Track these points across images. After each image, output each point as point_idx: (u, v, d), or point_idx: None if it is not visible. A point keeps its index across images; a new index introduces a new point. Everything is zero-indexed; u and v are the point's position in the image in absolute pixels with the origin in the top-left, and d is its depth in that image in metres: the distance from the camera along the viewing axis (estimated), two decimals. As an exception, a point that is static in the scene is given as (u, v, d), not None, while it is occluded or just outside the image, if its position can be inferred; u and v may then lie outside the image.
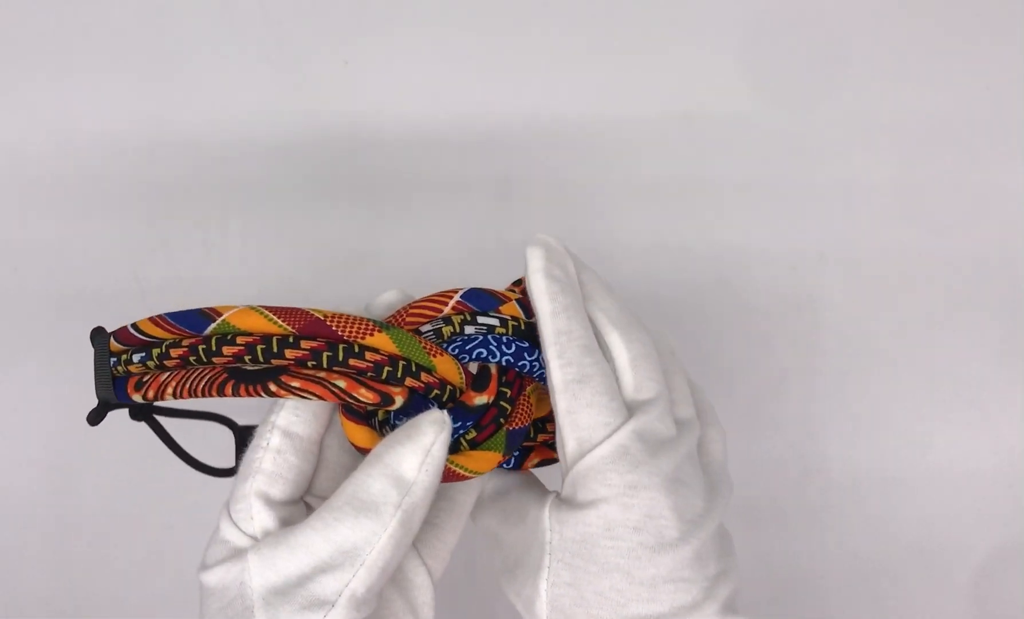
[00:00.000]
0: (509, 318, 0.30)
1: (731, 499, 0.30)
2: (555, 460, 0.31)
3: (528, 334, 0.30)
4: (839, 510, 0.49)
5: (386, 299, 0.31)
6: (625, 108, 0.50)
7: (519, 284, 0.33)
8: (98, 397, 0.30)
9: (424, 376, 0.28)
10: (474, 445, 0.29)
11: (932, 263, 0.50)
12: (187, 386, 0.28)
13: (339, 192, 0.50)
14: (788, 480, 0.49)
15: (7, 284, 0.50)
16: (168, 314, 0.28)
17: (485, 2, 0.51)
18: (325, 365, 0.27)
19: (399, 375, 0.27)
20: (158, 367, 0.28)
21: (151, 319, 0.28)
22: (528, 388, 0.31)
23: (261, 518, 0.27)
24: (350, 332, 0.27)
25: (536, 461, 0.31)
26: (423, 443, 0.26)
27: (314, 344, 0.27)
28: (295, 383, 0.27)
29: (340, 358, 0.27)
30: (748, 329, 0.50)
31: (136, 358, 0.29)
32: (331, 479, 0.30)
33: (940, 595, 0.49)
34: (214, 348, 0.27)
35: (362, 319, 0.28)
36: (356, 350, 0.27)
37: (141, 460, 0.49)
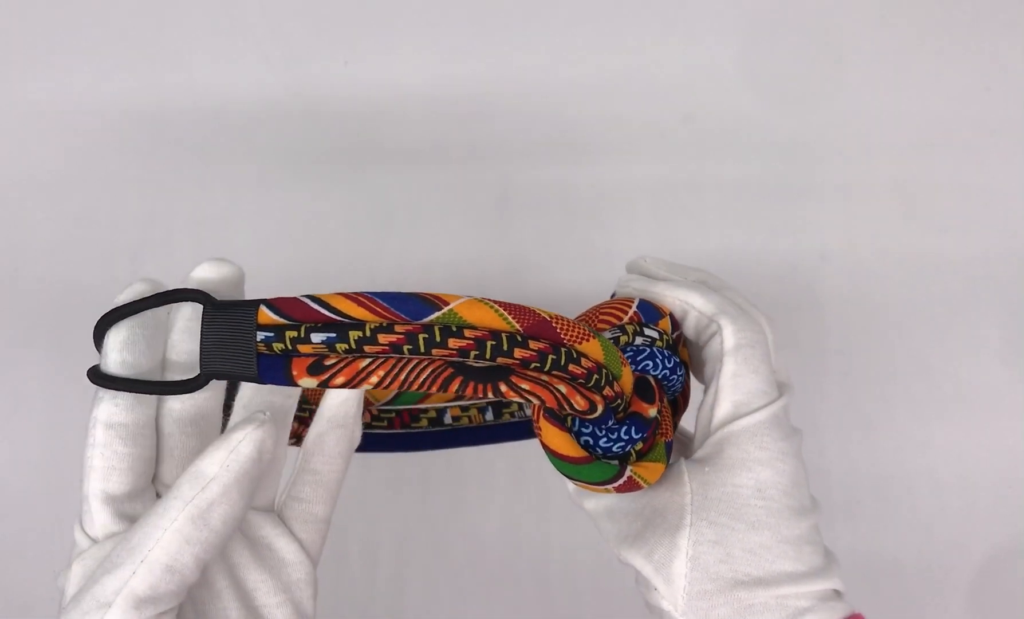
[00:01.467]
0: (663, 332, 0.31)
1: None
2: None
3: (674, 349, 0.31)
4: (839, 510, 0.49)
5: (136, 289, 0.30)
6: (625, 108, 0.50)
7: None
8: (204, 372, 0.26)
9: (616, 385, 0.28)
10: (640, 456, 0.30)
11: (932, 263, 0.50)
12: (400, 377, 0.25)
13: (339, 192, 0.50)
14: (788, 480, 0.49)
15: (7, 284, 0.50)
16: (375, 293, 0.25)
17: (485, 3, 0.51)
18: (548, 368, 0.26)
19: (602, 383, 0.27)
20: (352, 352, 0.25)
21: (347, 296, 0.25)
22: (664, 401, 0.31)
23: (100, 517, 0.27)
24: (570, 336, 0.26)
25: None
26: (232, 440, 0.25)
27: (540, 345, 0.25)
28: (524, 385, 0.26)
29: (562, 362, 0.26)
30: (748, 329, 0.50)
31: (318, 338, 0.24)
32: (180, 467, 0.28)
33: (940, 595, 0.49)
34: (438, 339, 0.24)
35: (580, 325, 0.27)
36: (574, 355, 0.26)
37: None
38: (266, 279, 0.49)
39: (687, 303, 0.31)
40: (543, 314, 0.26)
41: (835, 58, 0.51)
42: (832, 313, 0.50)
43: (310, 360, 0.25)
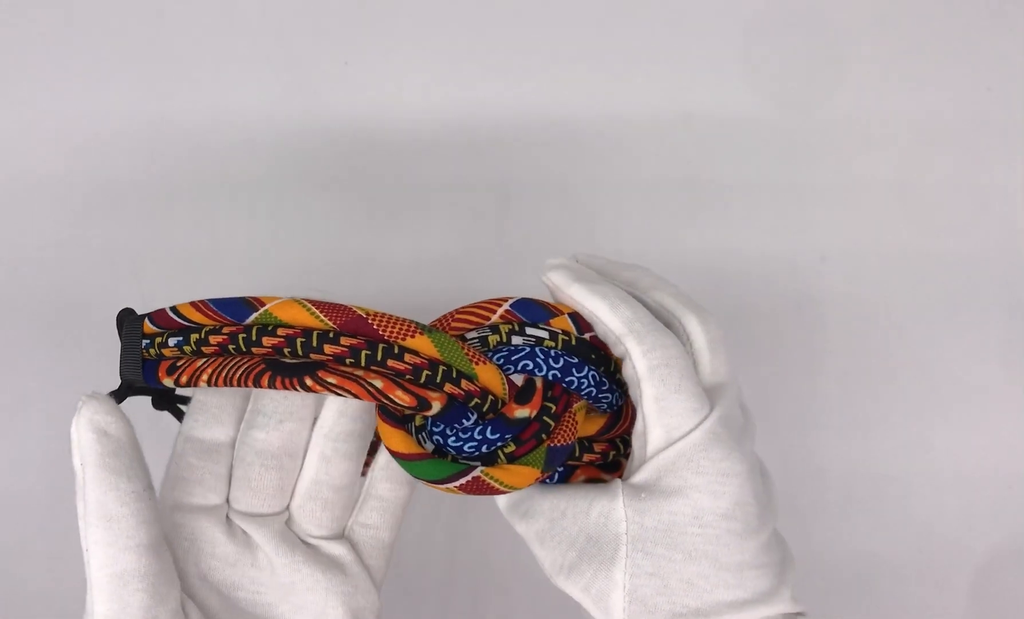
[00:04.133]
0: (560, 332, 0.29)
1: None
2: (600, 480, 0.30)
3: (579, 350, 0.29)
4: (839, 510, 0.49)
5: None
6: (625, 108, 0.50)
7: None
8: (122, 378, 0.29)
9: (465, 383, 0.27)
10: (512, 459, 0.29)
11: (932, 263, 0.50)
12: (223, 374, 0.27)
13: (339, 193, 0.50)
14: (788, 480, 0.49)
15: (7, 284, 0.50)
16: (211, 300, 0.28)
17: (485, 2, 0.51)
18: (363, 364, 0.27)
19: (438, 380, 0.27)
20: (195, 353, 0.28)
21: (192, 304, 0.28)
22: (575, 405, 0.30)
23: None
24: (391, 333, 0.27)
25: (582, 478, 0.30)
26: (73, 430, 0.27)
27: (354, 341, 0.26)
28: (331, 379, 0.26)
29: (379, 358, 0.26)
30: (748, 329, 0.50)
31: (172, 342, 0.28)
32: (255, 498, 0.30)
33: (940, 595, 0.49)
34: (254, 338, 0.27)
35: (404, 320, 0.27)
36: (396, 351, 0.27)
37: (141, 460, 0.49)
38: (266, 278, 0.50)
39: (594, 315, 0.29)
40: (359, 312, 0.27)
41: (835, 58, 0.51)
42: (832, 313, 0.50)
43: (169, 362, 0.28)
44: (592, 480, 0.30)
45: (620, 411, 0.31)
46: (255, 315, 0.27)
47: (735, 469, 0.27)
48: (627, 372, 0.29)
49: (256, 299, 0.27)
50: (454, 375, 0.27)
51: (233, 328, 0.27)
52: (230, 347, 0.27)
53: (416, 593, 0.49)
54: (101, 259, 0.50)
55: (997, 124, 0.50)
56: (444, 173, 0.50)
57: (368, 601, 0.30)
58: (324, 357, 0.27)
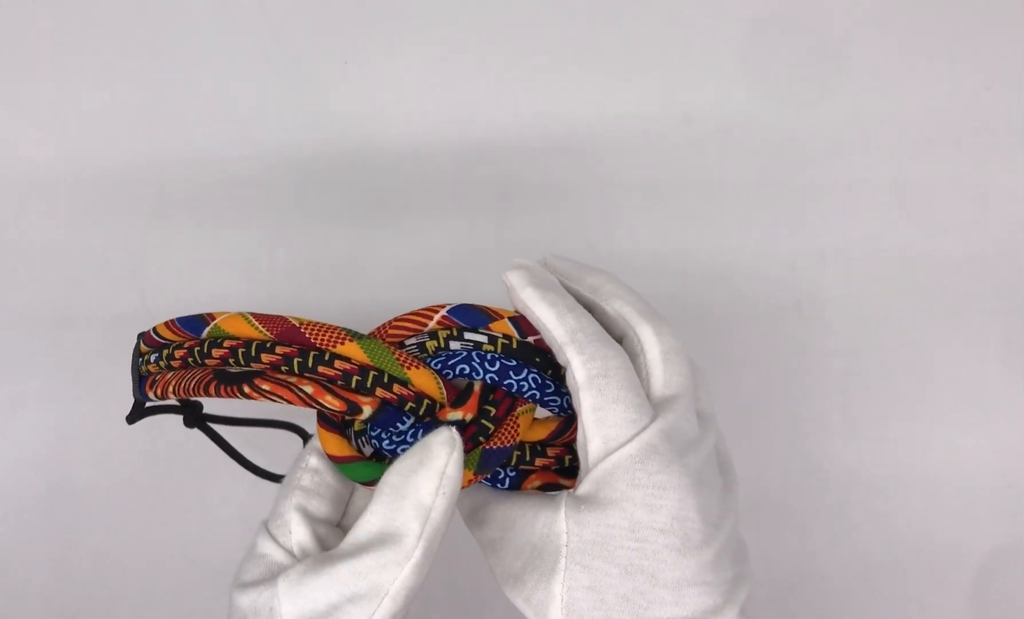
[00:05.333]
0: (500, 336, 0.29)
1: (740, 497, 0.30)
2: (558, 485, 0.30)
3: (521, 353, 0.29)
4: (839, 510, 0.49)
5: None
6: (625, 108, 0.50)
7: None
8: (133, 397, 0.32)
9: (397, 388, 0.28)
10: None
11: (932, 263, 0.50)
12: (183, 385, 0.29)
13: (339, 193, 0.50)
14: (788, 480, 0.49)
15: (7, 285, 0.50)
16: (177, 318, 0.30)
17: (485, 1, 0.51)
18: (296, 370, 0.28)
19: (368, 385, 0.28)
20: (167, 367, 0.30)
21: (165, 323, 0.30)
22: (519, 409, 0.30)
23: (299, 532, 0.28)
24: (322, 340, 0.28)
25: (537, 484, 0.30)
26: (437, 466, 0.26)
27: (288, 350, 0.28)
28: (266, 386, 0.28)
29: (309, 364, 0.28)
30: (748, 329, 0.50)
31: (153, 358, 0.31)
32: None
33: (940, 595, 0.49)
34: (206, 351, 0.29)
35: (335, 328, 0.28)
36: (327, 358, 0.28)
37: (142, 461, 0.49)
38: (265, 278, 0.50)
39: (541, 322, 0.29)
40: (293, 321, 0.28)
41: (835, 58, 0.51)
42: (832, 313, 0.50)
43: (151, 378, 0.31)
44: (549, 485, 0.30)
45: (574, 416, 0.30)
46: (207, 330, 0.29)
47: (673, 482, 0.26)
48: (569, 381, 0.28)
49: (209, 315, 0.29)
50: (385, 380, 0.28)
51: (191, 343, 0.29)
52: (189, 360, 0.29)
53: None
54: (101, 259, 0.50)
55: (997, 124, 0.50)
56: (444, 173, 0.50)
57: None
58: (263, 366, 0.28)
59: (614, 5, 0.51)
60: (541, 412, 0.31)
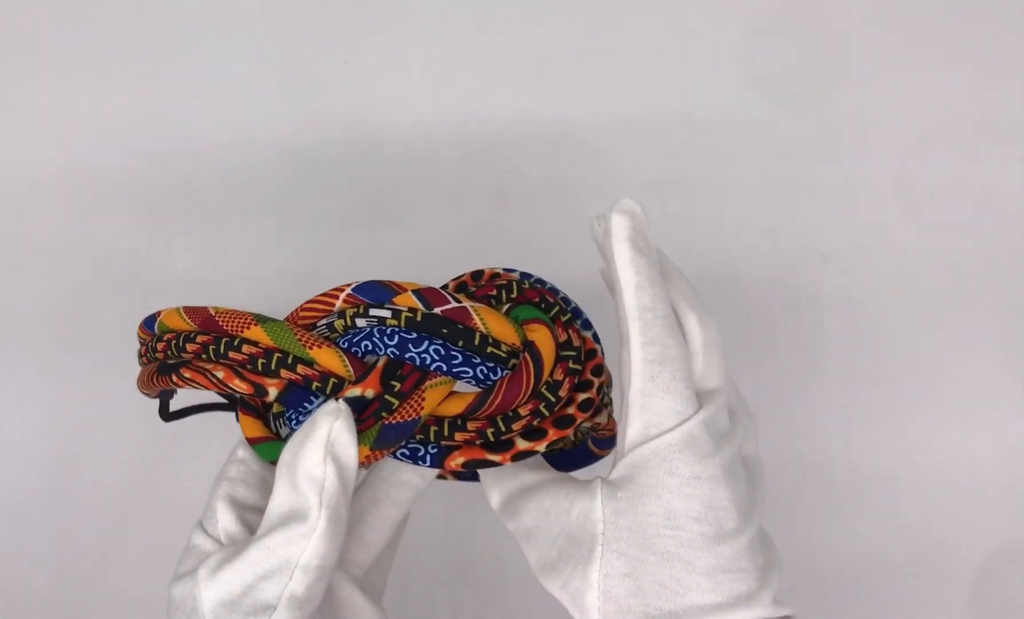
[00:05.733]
0: (405, 309, 0.29)
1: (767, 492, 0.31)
2: (486, 461, 0.29)
3: (425, 325, 0.29)
4: (839, 510, 0.49)
5: None
6: (625, 108, 0.50)
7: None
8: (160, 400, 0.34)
9: (301, 368, 0.29)
10: None
11: (932, 263, 0.50)
12: (142, 378, 0.32)
13: (338, 192, 0.50)
14: (788, 480, 0.49)
15: (7, 284, 0.50)
16: (144, 319, 0.32)
17: (485, 2, 0.51)
18: (212, 357, 0.29)
19: (273, 367, 0.29)
20: (143, 365, 0.33)
21: (140, 325, 0.32)
22: (428, 383, 0.29)
23: (224, 520, 0.29)
24: (232, 326, 0.29)
25: (461, 460, 0.29)
26: (320, 437, 0.27)
27: (206, 338, 0.29)
28: (187, 374, 0.30)
29: (222, 351, 0.29)
30: (748, 329, 0.50)
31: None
32: None
33: (940, 595, 0.49)
34: (155, 345, 0.31)
35: (243, 313, 0.29)
36: (236, 343, 0.29)
37: (142, 460, 0.49)
38: (265, 277, 0.50)
39: (620, 282, 0.28)
40: (211, 310, 0.30)
41: (835, 58, 0.51)
42: (832, 313, 0.50)
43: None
44: (474, 461, 0.29)
45: (491, 387, 0.29)
46: (156, 325, 0.31)
47: (708, 473, 0.27)
48: (623, 357, 0.28)
49: (159, 312, 0.31)
50: (290, 361, 0.29)
51: (149, 338, 0.32)
52: (145, 356, 0.32)
53: (421, 593, 0.49)
54: (101, 259, 0.50)
55: (997, 124, 0.50)
56: (444, 173, 0.50)
57: None
58: (189, 355, 0.30)
59: (614, 5, 0.51)
60: (468, 386, 0.30)
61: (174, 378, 0.30)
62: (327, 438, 0.27)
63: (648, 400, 0.27)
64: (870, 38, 0.51)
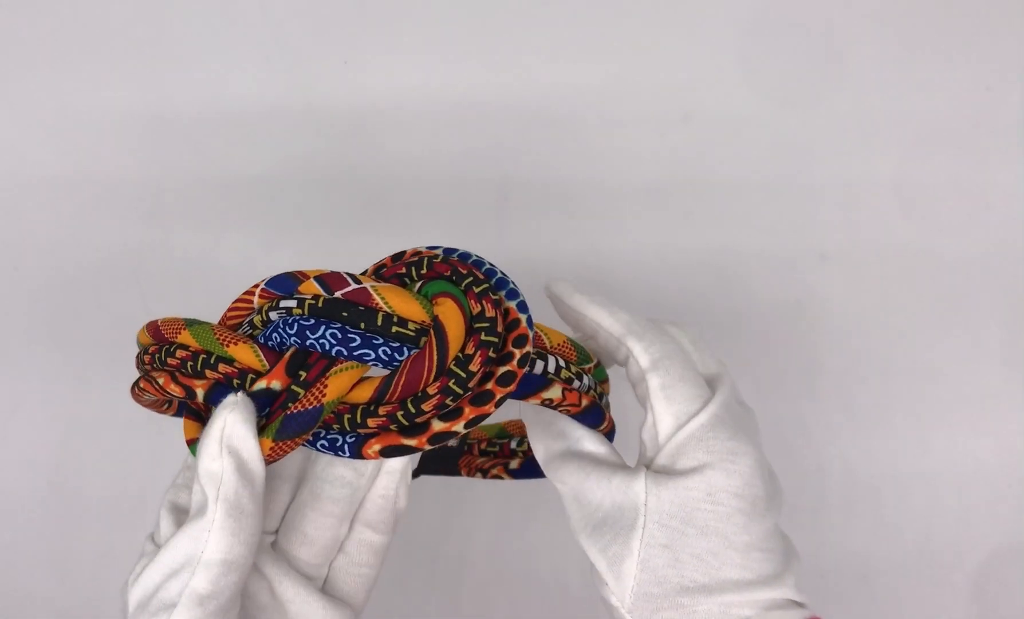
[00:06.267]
0: (308, 297, 0.29)
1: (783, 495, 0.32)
2: (402, 447, 0.28)
3: (327, 310, 0.28)
4: (839, 510, 0.49)
5: None
6: (625, 107, 0.50)
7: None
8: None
9: (223, 367, 0.29)
10: (260, 431, 0.28)
11: (932, 263, 0.50)
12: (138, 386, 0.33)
13: (338, 192, 0.50)
14: (788, 480, 0.49)
15: (7, 283, 0.50)
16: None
17: (484, 2, 0.51)
18: (157, 365, 0.30)
19: (199, 368, 0.29)
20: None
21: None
22: (332, 370, 0.28)
23: (164, 526, 0.29)
24: (169, 333, 0.30)
25: (378, 447, 0.29)
26: (214, 432, 0.27)
27: (154, 348, 0.30)
28: (142, 384, 0.31)
29: (162, 358, 0.30)
30: (748, 329, 0.50)
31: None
32: (271, 518, 0.32)
33: (940, 595, 0.49)
34: (143, 354, 0.31)
35: (176, 319, 0.30)
36: (173, 349, 0.29)
37: (142, 460, 0.49)
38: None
39: (596, 322, 0.32)
40: (158, 321, 0.30)
41: (835, 58, 0.51)
42: (832, 313, 0.50)
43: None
44: (392, 448, 0.29)
45: (395, 370, 0.28)
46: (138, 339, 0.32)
47: (743, 448, 0.29)
48: (632, 372, 0.30)
49: (150, 322, 0.32)
50: (213, 361, 0.29)
51: (139, 355, 0.32)
52: (139, 369, 0.32)
53: (422, 592, 0.49)
54: (101, 259, 0.50)
55: (997, 124, 0.50)
56: (443, 173, 0.50)
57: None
58: (147, 366, 0.31)
59: (614, 5, 0.51)
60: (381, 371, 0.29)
61: (135, 390, 0.31)
62: (220, 432, 0.27)
63: (670, 391, 0.29)
64: (870, 38, 0.51)
